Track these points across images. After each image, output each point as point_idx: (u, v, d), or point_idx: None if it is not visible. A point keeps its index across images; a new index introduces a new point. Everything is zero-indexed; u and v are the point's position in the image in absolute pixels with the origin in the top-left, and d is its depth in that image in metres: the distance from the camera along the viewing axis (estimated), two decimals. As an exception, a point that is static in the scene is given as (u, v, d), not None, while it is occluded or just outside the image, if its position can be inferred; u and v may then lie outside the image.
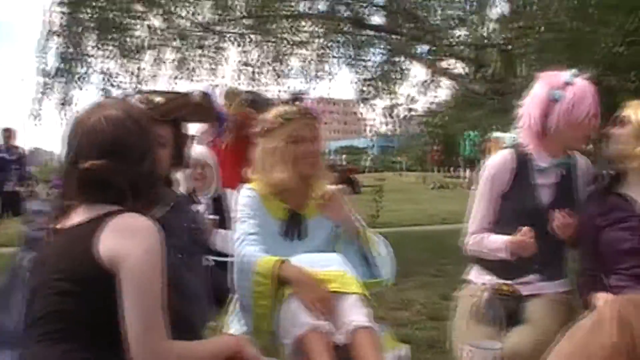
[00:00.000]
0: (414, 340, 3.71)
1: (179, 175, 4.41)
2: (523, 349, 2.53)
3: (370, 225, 6.68)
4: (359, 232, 3.02)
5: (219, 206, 4.69)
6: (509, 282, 2.84)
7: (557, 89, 2.81)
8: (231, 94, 8.30)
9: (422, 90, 7.32)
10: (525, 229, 2.74)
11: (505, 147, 3.17)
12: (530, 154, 2.95)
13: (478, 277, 3.04)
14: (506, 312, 2.64)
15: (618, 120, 2.80)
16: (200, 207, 4.42)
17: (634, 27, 6.56)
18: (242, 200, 2.95)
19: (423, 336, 3.80)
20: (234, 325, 2.94)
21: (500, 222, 2.97)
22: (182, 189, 4.68)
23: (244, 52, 9.32)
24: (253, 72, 9.57)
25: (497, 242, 2.89)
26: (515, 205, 2.96)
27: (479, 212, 3.03)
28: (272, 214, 2.96)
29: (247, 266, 2.71)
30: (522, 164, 2.97)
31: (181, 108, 2.52)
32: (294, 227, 2.98)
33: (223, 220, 4.31)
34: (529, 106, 2.92)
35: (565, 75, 2.86)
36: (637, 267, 2.67)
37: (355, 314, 2.64)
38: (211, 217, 4.39)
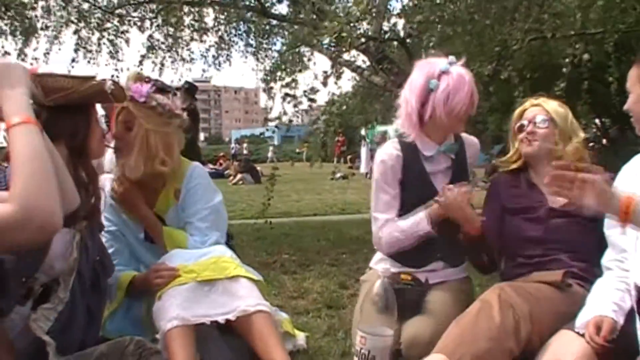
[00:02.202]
0: (311, 328, 3.74)
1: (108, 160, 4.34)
2: (421, 338, 2.62)
3: (261, 215, 6.65)
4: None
5: None
6: (410, 269, 2.92)
7: (433, 78, 2.86)
8: (138, 79, 8.15)
9: (323, 81, 7.34)
10: (444, 187, 2.87)
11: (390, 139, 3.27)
12: (414, 143, 2.99)
13: (377, 264, 3.11)
14: (406, 300, 2.70)
15: (538, 120, 2.93)
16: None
17: (528, 26, 6.85)
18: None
19: (320, 324, 3.85)
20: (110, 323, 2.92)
21: (401, 213, 3.01)
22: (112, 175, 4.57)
23: (147, 37, 9.16)
24: (152, 58, 9.43)
25: (414, 218, 2.93)
26: (410, 195, 2.99)
27: (382, 203, 3.02)
28: (132, 219, 3.01)
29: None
30: (408, 154, 3.00)
31: (97, 95, 2.29)
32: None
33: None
34: (407, 95, 2.95)
35: (442, 63, 2.90)
36: (538, 257, 2.79)
37: (247, 297, 2.69)
38: None
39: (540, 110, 2.96)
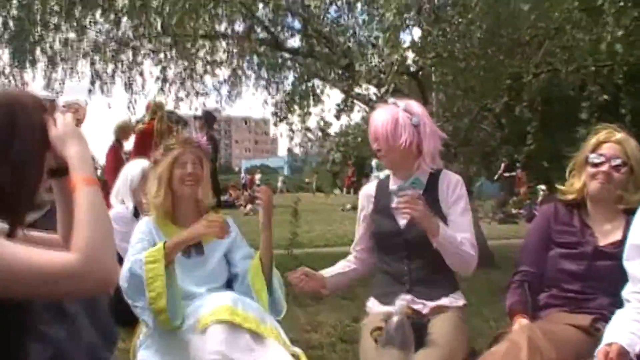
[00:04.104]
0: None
1: (124, 189, 4.44)
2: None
3: (287, 247, 6.66)
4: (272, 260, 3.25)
5: None
6: (384, 307, 2.91)
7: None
8: (157, 108, 8.27)
9: (336, 113, 7.42)
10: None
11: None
12: (388, 180, 3.15)
13: (377, 306, 3.09)
14: (413, 334, 2.72)
15: (615, 163, 2.78)
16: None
17: (540, 59, 6.91)
18: (136, 228, 3.22)
19: (335, 358, 3.84)
20: (143, 349, 2.99)
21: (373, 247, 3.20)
22: (128, 203, 4.62)
23: (161, 68, 9.27)
24: (165, 89, 9.54)
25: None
26: (378, 228, 3.13)
27: (356, 235, 3.29)
28: (169, 236, 3.13)
29: (136, 267, 2.90)
30: (380, 191, 3.17)
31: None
32: (190, 246, 3.16)
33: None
34: None
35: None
36: (575, 293, 2.77)
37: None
38: None
39: (619, 152, 2.81)
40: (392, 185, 3.10)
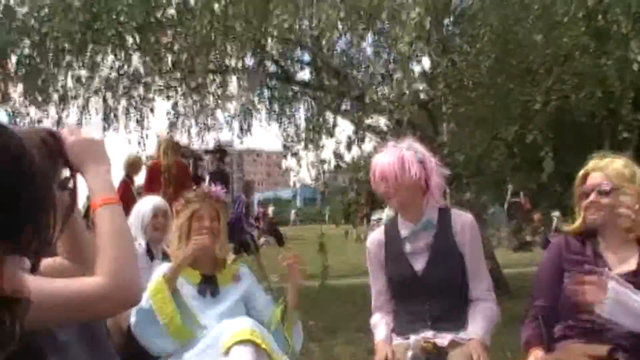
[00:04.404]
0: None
1: (136, 227, 4.48)
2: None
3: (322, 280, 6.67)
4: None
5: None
6: (428, 338, 2.89)
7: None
8: (164, 143, 8.29)
9: (347, 145, 7.43)
10: None
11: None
12: (396, 224, 3.11)
13: (395, 340, 3.06)
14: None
15: (600, 189, 2.77)
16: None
17: (550, 85, 6.91)
18: (158, 272, 3.33)
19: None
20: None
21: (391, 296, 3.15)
22: (140, 240, 4.64)
23: (172, 104, 9.35)
24: (178, 125, 9.61)
25: (377, 336, 3.10)
26: (392, 274, 3.09)
27: (374, 291, 3.23)
28: (189, 279, 3.36)
29: (143, 302, 3.02)
30: (390, 237, 3.12)
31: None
32: (206, 287, 3.38)
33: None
34: None
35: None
36: (591, 324, 2.68)
37: None
38: None
39: (601, 177, 2.80)
40: (403, 229, 3.08)
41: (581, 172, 2.89)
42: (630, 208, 2.71)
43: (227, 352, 2.87)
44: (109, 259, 1.59)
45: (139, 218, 4.69)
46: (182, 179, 8.03)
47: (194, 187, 9.17)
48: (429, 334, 2.90)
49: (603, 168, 2.81)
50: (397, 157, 2.94)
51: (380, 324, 3.14)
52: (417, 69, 8.32)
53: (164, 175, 7.84)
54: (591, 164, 2.88)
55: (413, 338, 2.82)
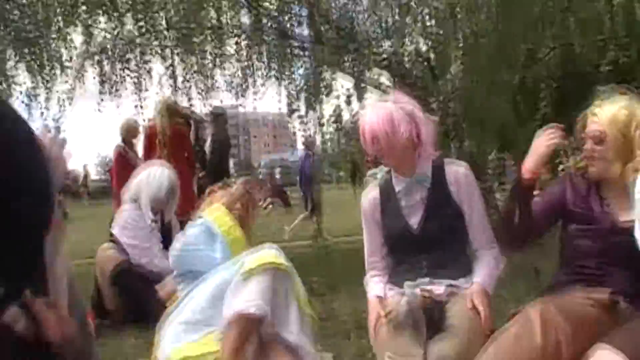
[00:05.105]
0: (339, 350, 3.72)
1: (145, 194, 4.46)
2: (448, 358, 2.52)
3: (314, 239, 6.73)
4: None
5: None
6: (424, 287, 2.84)
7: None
8: (165, 105, 8.09)
9: (347, 100, 7.33)
10: None
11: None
12: (390, 180, 3.05)
13: (392, 291, 3.02)
14: (428, 319, 2.65)
15: (593, 135, 2.67)
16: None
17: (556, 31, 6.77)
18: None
19: (349, 346, 3.78)
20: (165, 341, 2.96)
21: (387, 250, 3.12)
22: (145, 209, 4.61)
23: (169, 66, 9.17)
24: (177, 87, 9.44)
25: (370, 292, 3.11)
26: (388, 231, 3.05)
27: (367, 248, 3.21)
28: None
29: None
30: (384, 193, 3.06)
31: None
32: None
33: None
34: None
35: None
36: (592, 269, 2.65)
37: None
38: None
39: (596, 124, 2.70)
40: (397, 185, 3.03)
41: (582, 116, 2.80)
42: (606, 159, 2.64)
43: (248, 278, 2.89)
44: None
45: (152, 187, 4.68)
46: (177, 142, 7.91)
47: (196, 150, 9.12)
48: (424, 281, 2.86)
49: (598, 113, 2.71)
50: (385, 114, 2.86)
51: (372, 281, 3.15)
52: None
53: (159, 138, 7.72)
54: (592, 107, 2.77)
55: (408, 286, 2.77)
